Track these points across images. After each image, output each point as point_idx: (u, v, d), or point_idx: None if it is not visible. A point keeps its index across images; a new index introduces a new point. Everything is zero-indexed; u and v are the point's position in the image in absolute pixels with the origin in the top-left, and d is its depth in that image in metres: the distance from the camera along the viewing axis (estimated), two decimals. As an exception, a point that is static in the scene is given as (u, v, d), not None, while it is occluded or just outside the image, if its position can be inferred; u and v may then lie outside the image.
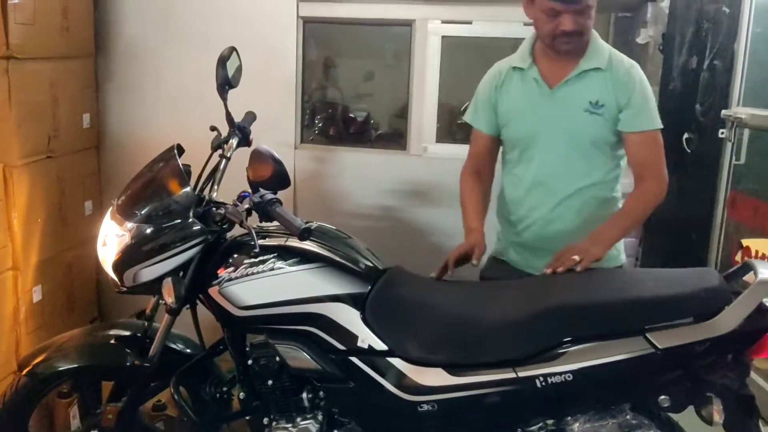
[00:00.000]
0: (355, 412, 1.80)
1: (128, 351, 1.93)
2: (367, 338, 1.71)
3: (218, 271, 1.79)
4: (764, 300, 1.50)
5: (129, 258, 1.80)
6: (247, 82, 2.65)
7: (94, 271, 2.95)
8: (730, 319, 1.50)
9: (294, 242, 1.81)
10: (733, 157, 3.05)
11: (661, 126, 1.94)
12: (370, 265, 1.84)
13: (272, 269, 1.76)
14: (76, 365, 1.93)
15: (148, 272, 1.79)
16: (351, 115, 3.25)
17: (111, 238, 1.85)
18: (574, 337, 1.57)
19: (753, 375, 2.18)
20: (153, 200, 1.82)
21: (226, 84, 1.89)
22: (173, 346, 1.98)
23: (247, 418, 1.88)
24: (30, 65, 2.43)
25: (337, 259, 1.81)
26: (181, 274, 1.81)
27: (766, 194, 2.94)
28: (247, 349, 1.83)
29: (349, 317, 1.73)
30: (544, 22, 1.86)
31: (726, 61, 3.14)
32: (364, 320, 1.73)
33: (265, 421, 1.82)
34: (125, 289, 1.83)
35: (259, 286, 1.75)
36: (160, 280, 1.78)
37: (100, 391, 2.11)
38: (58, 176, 2.62)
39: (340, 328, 1.73)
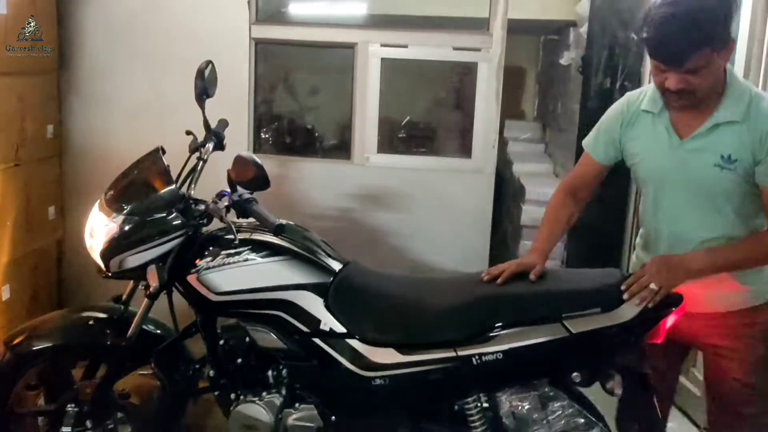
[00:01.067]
0: (316, 387, 2.02)
1: (107, 331, 2.14)
2: (329, 322, 1.94)
3: (196, 261, 2.01)
4: None
5: (116, 246, 2.01)
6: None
7: (56, 271, 3.14)
8: (630, 310, 1.75)
9: (265, 236, 2.05)
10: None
11: None
12: (332, 259, 2.08)
13: (246, 260, 2.00)
14: (57, 343, 2.13)
15: (133, 259, 2.00)
16: (302, 126, 3.51)
17: (99, 228, 2.05)
18: (504, 322, 1.80)
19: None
20: (140, 195, 2.04)
21: (204, 94, 2.11)
22: (148, 328, 2.18)
23: (216, 393, 2.10)
24: (1, 80, 2.63)
25: (304, 252, 2.04)
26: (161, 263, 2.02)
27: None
28: (219, 331, 2.07)
29: (314, 304, 1.97)
30: (654, 74, 1.74)
31: (634, 82, 3.50)
32: (326, 306, 1.97)
33: (233, 396, 2.05)
34: (110, 274, 2.04)
35: (234, 274, 1.99)
36: (143, 267, 1.99)
37: (68, 382, 2.25)
38: (24, 183, 2.80)
39: (305, 313, 1.96)
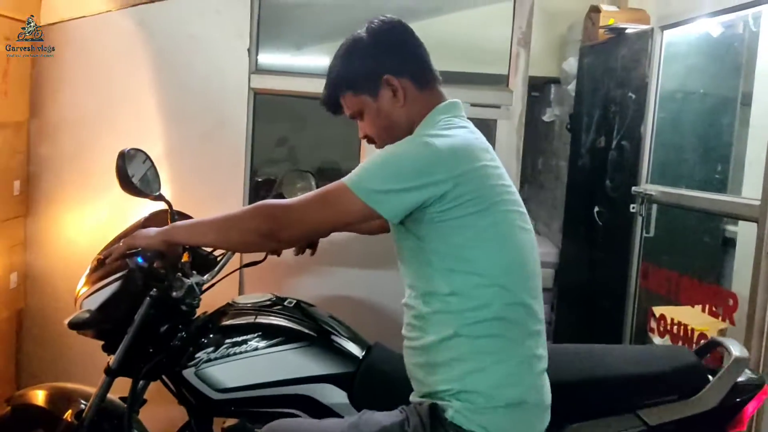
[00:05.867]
0: None
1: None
2: None
3: (191, 351, 1.74)
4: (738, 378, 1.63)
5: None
6: (195, 155, 2.63)
7: (14, 343, 2.76)
8: (711, 396, 1.60)
9: (278, 320, 1.78)
10: (644, 231, 3.32)
11: None
12: (354, 342, 1.83)
13: (255, 349, 1.72)
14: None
15: (89, 301, 1.78)
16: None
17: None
18: (573, 415, 1.61)
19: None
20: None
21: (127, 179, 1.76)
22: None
23: None
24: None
25: (325, 337, 1.79)
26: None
27: (674, 265, 3.20)
28: None
29: (337, 398, 1.71)
30: None
31: (633, 141, 3.43)
32: (352, 400, 1.70)
33: None
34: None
35: (241, 367, 1.71)
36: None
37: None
38: (-14, 247, 2.43)
39: (326, 409, 1.70)
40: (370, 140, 1.65)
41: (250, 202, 2.76)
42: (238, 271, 2.13)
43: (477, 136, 1.55)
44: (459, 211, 1.43)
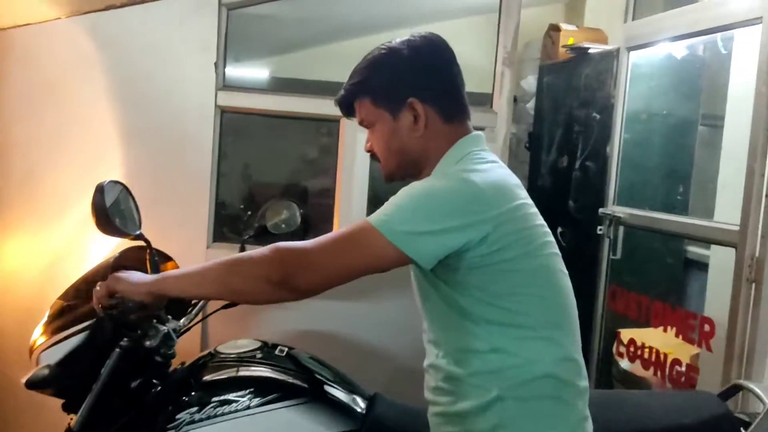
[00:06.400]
0: None
1: None
2: None
3: (170, 410, 1.53)
4: None
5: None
6: (156, 176, 2.40)
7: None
8: None
9: (273, 372, 1.60)
10: (611, 253, 3.28)
11: None
12: (357, 395, 1.67)
13: (248, 407, 1.53)
14: None
15: (48, 354, 1.56)
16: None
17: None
18: None
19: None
20: None
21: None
22: None
23: None
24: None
25: (325, 391, 1.61)
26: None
27: (641, 287, 3.17)
28: None
29: None
30: None
31: (598, 162, 3.40)
32: None
33: None
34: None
35: (231, 430, 1.50)
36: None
37: None
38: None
39: None
40: (374, 156, 1.51)
41: (215, 229, 2.56)
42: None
43: (509, 172, 1.42)
44: (500, 255, 1.27)
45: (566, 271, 1.42)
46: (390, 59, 1.44)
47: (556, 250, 1.40)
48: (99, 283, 1.44)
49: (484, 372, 1.30)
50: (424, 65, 1.43)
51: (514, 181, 1.39)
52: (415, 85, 1.42)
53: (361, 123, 1.49)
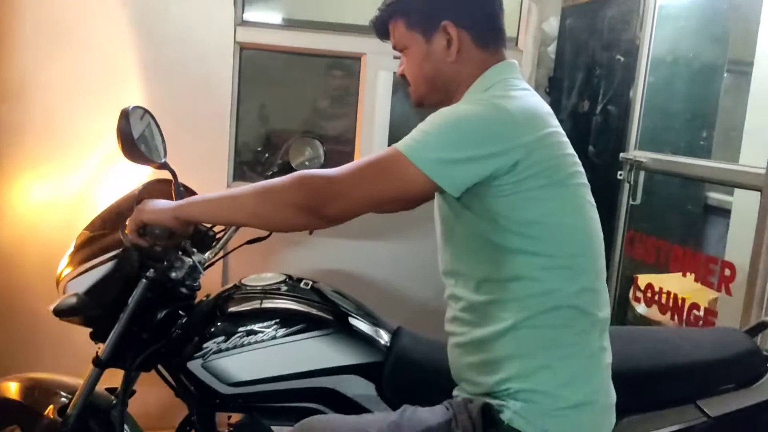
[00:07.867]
0: None
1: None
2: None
3: (196, 340, 1.54)
4: None
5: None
6: (176, 114, 2.39)
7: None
8: None
9: (298, 305, 1.61)
10: (630, 198, 3.25)
11: None
12: (381, 328, 1.67)
13: (273, 338, 1.53)
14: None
15: (75, 284, 1.58)
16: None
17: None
18: (629, 408, 1.46)
19: None
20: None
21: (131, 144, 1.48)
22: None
23: None
24: None
25: (350, 323, 1.62)
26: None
27: (661, 233, 3.15)
28: (229, 430, 1.59)
29: (364, 391, 1.55)
30: None
31: (621, 106, 3.34)
32: (380, 393, 1.55)
33: None
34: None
35: (256, 358, 1.52)
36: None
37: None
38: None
39: (351, 403, 1.54)
40: (406, 81, 1.47)
41: (236, 168, 2.56)
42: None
43: (541, 100, 1.39)
44: (529, 183, 1.24)
45: (594, 203, 1.40)
46: None
47: (585, 180, 1.38)
48: (127, 220, 1.44)
49: (503, 300, 1.29)
50: None
51: (546, 110, 1.36)
52: (450, 7, 1.38)
53: (394, 47, 1.46)
